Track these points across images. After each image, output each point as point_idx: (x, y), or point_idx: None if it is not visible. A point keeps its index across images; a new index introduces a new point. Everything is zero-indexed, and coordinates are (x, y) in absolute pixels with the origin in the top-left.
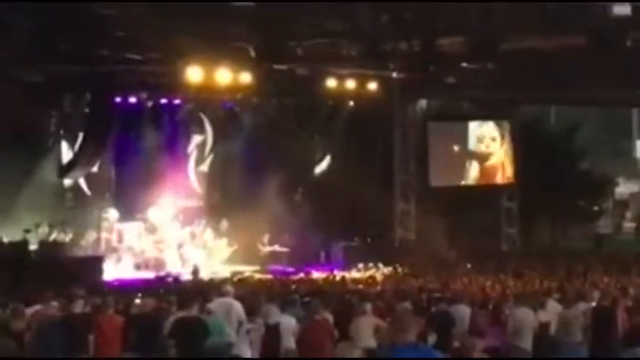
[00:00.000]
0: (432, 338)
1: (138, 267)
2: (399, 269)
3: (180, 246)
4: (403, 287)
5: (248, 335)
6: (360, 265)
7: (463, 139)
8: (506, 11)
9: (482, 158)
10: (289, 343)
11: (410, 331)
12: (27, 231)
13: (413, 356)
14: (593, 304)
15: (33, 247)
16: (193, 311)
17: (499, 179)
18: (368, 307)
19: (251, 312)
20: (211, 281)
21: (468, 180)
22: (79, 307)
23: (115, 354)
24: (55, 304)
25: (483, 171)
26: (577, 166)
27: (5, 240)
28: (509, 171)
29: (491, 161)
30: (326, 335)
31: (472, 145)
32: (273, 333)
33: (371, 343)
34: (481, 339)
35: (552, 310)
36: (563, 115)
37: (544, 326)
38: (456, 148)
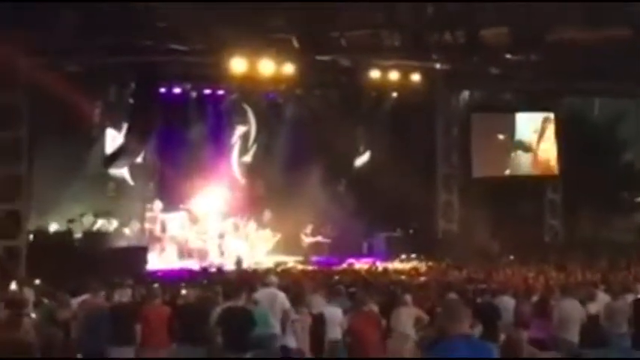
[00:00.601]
0: (477, 330)
1: (181, 257)
2: (442, 260)
3: (220, 236)
4: (448, 278)
5: (293, 326)
6: (403, 256)
7: (508, 129)
8: (551, 3)
9: (526, 149)
10: (335, 333)
11: (463, 322)
12: (71, 221)
13: (468, 348)
14: None
15: (77, 236)
16: (240, 301)
17: (543, 170)
18: (408, 297)
19: (296, 302)
20: (255, 272)
21: (511, 170)
22: (126, 296)
23: (161, 344)
24: (103, 293)
25: (527, 162)
26: (620, 158)
27: (51, 230)
28: (553, 162)
29: (536, 152)
30: (375, 326)
31: (517, 135)
32: (318, 323)
33: (411, 333)
34: (526, 330)
35: (602, 302)
36: (606, 107)
37: (593, 318)
38: (500, 137)
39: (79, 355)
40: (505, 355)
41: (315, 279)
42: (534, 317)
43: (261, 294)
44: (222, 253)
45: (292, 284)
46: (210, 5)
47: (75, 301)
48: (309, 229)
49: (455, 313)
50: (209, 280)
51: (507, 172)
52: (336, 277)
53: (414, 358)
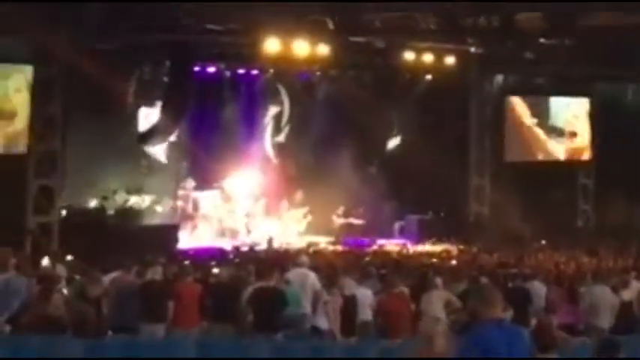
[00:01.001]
0: (508, 314)
1: (214, 236)
2: (473, 244)
3: (247, 215)
4: (479, 262)
5: (325, 307)
6: (434, 239)
7: (541, 113)
8: None
9: (560, 133)
10: (366, 315)
11: (496, 307)
12: (104, 198)
13: (501, 332)
14: None
15: (110, 213)
16: (272, 281)
17: (577, 155)
18: (439, 280)
19: (329, 284)
20: (286, 252)
21: (544, 155)
22: (157, 274)
23: (193, 322)
24: (134, 271)
25: (561, 147)
26: None
27: (84, 206)
28: (586, 147)
29: (570, 137)
30: (405, 308)
31: (550, 120)
32: (350, 305)
33: (441, 316)
34: (555, 316)
35: (635, 289)
36: None
37: (626, 305)
38: (534, 121)
39: (109, 332)
40: (535, 339)
41: (346, 260)
42: (563, 303)
43: (292, 274)
44: (249, 232)
45: (325, 265)
46: None
47: (107, 278)
48: (341, 210)
49: (488, 298)
50: (241, 259)
51: (540, 156)
52: (367, 259)
53: None
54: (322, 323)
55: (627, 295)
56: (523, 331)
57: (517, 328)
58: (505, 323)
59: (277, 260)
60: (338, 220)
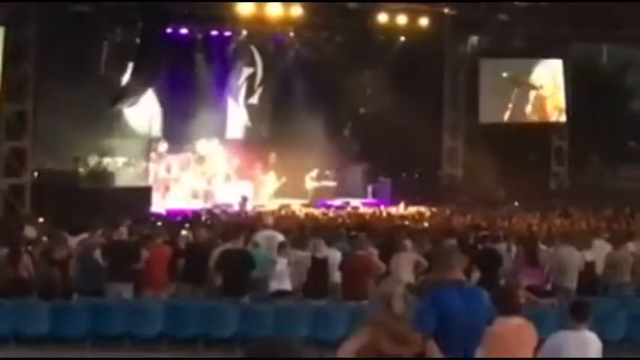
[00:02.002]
0: (475, 276)
1: (187, 198)
2: (447, 206)
3: (210, 180)
4: (451, 224)
5: (296, 267)
6: (407, 201)
7: (514, 71)
8: None
9: (533, 89)
10: (335, 277)
11: (455, 269)
12: (76, 159)
13: (460, 294)
14: None
15: (82, 175)
16: (239, 243)
17: (549, 117)
18: (408, 243)
19: (298, 245)
20: (258, 214)
21: (514, 113)
22: (122, 235)
23: (161, 283)
24: (100, 232)
25: (534, 104)
26: (628, 106)
27: (56, 168)
28: (560, 109)
29: (543, 96)
30: (365, 270)
31: (523, 79)
32: (321, 266)
33: (410, 278)
34: (521, 278)
35: (599, 250)
36: (614, 54)
37: (589, 266)
38: (505, 75)
39: (76, 294)
40: (498, 300)
41: (318, 222)
42: (528, 265)
43: (260, 236)
44: (209, 195)
45: (295, 227)
46: None
47: (74, 240)
48: (314, 172)
49: (447, 260)
50: (213, 221)
51: (509, 113)
52: (340, 221)
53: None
54: (286, 285)
55: (589, 255)
56: (483, 293)
57: (477, 289)
58: (465, 285)
59: (246, 222)
60: (311, 183)
